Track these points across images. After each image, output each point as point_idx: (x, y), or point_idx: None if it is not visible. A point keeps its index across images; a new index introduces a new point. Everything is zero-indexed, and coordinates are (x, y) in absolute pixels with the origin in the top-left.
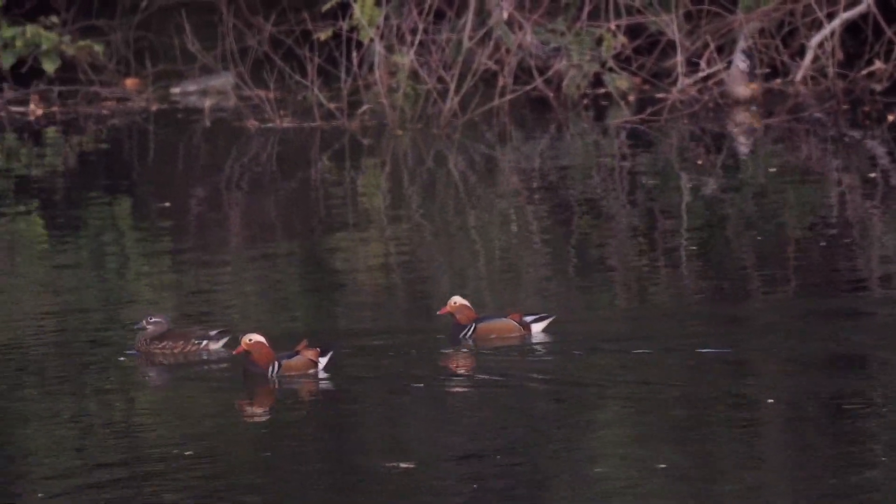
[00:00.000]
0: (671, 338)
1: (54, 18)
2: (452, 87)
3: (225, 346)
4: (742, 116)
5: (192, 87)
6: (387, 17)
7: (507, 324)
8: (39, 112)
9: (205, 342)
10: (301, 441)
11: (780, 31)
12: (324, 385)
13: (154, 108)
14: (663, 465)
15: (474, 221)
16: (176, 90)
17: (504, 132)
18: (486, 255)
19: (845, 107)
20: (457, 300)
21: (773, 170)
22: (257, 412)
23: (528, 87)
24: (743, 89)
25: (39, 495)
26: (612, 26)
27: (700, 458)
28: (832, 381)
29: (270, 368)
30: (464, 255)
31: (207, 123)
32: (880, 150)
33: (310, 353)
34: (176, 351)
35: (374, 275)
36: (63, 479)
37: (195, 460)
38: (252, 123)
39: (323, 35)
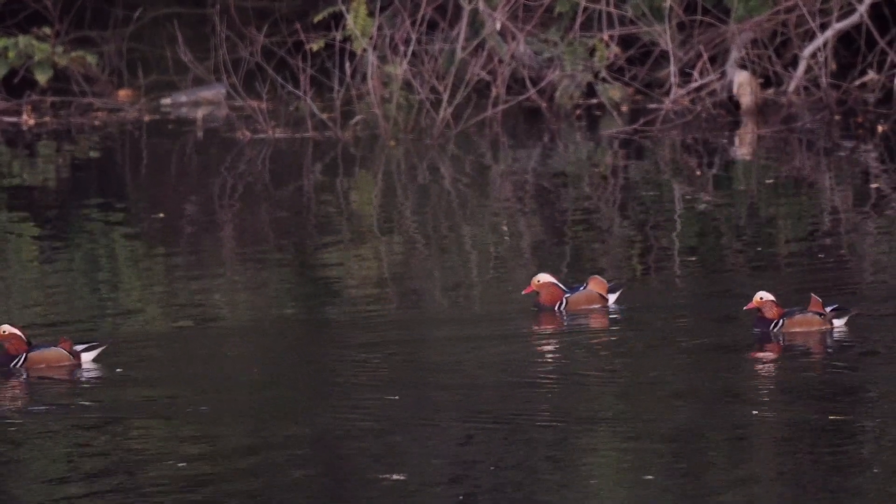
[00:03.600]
0: (670, 340)
1: (47, 29)
2: (445, 97)
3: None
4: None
5: (183, 98)
6: (380, 28)
7: (58, 353)
8: (32, 122)
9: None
10: (292, 450)
11: (773, 41)
12: (313, 393)
13: (146, 118)
14: (650, 477)
15: (466, 232)
16: (167, 101)
17: (497, 142)
18: (478, 265)
19: (838, 117)
20: None
21: (769, 181)
22: (246, 420)
23: (521, 98)
24: (746, 100)
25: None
26: (605, 37)
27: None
28: (820, 394)
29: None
30: (454, 266)
31: (199, 134)
32: (872, 161)
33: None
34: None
35: (365, 285)
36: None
37: (184, 465)
38: (244, 134)
39: (315, 45)
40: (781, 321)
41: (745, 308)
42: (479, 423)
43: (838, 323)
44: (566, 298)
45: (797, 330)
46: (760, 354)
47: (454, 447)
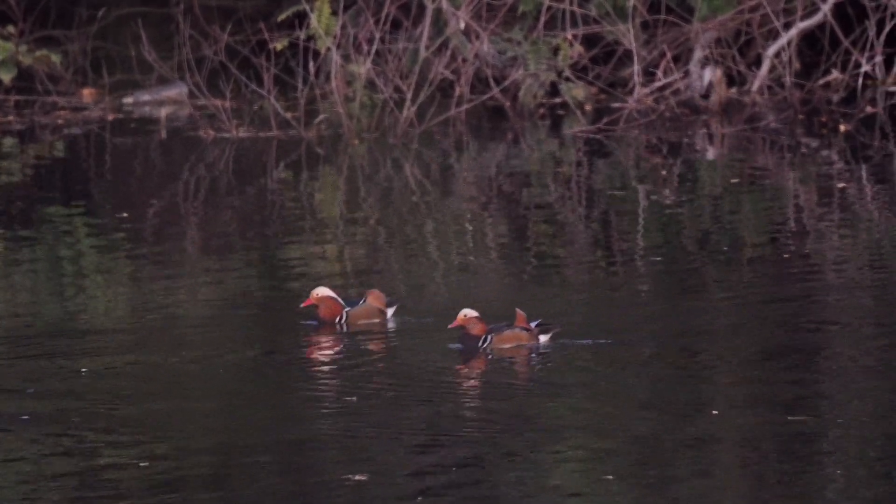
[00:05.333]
0: (634, 342)
1: (11, 28)
2: (409, 96)
3: None
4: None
5: (145, 97)
6: (343, 27)
7: None
8: None
9: None
10: (255, 451)
11: (737, 40)
12: (281, 394)
13: (110, 117)
14: (611, 476)
15: (430, 230)
16: (129, 100)
17: (460, 141)
18: (442, 262)
19: (802, 117)
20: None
21: (734, 180)
22: (212, 420)
23: (484, 97)
24: (710, 100)
25: None
26: (569, 36)
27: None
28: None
29: None
30: (418, 263)
31: (163, 133)
32: (835, 160)
33: None
34: None
35: (327, 282)
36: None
37: (148, 471)
38: (208, 133)
39: (279, 45)
40: (489, 337)
41: (449, 326)
42: (441, 428)
43: (543, 339)
44: (346, 312)
45: (506, 346)
46: (468, 369)
47: (414, 449)
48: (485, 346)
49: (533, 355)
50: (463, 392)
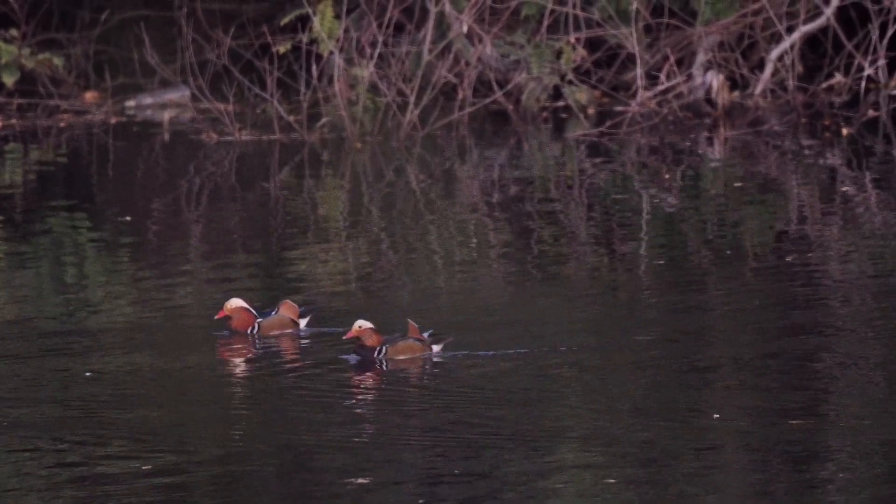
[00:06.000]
0: (628, 349)
1: (14, 31)
2: (412, 99)
3: None
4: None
5: (147, 101)
6: (346, 30)
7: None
8: None
9: None
10: (256, 454)
11: (740, 44)
12: (276, 399)
13: (113, 121)
14: (613, 480)
15: (433, 234)
16: (131, 104)
17: (463, 145)
18: (445, 268)
19: (804, 120)
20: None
21: (737, 184)
22: (214, 424)
23: (487, 100)
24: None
25: None
26: (572, 39)
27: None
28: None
29: None
30: (420, 269)
31: (166, 137)
32: (838, 163)
33: None
34: None
35: (330, 287)
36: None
37: (151, 476)
38: (210, 136)
39: (282, 48)
40: (384, 348)
41: (344, 337)
42: (444, 432)
43: (436, 348)
44: (258, 323)
45: (401, 357)
46: (362, 378)
47: (419, 453)
48: (380, 356)
49: (426, 366)
50: (462, 398)
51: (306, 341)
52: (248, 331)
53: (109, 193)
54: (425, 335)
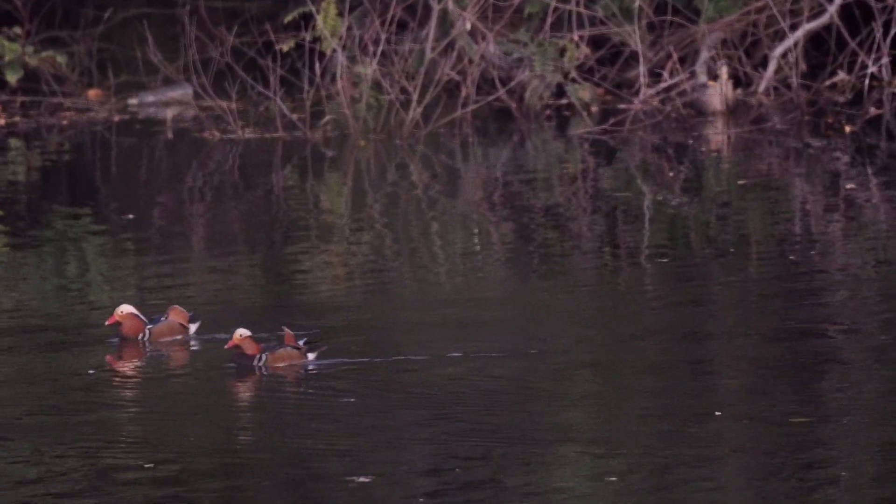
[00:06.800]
0: (631, 348)
1: (17, 29)
2: (415, 97)
3: None
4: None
5: (150, 98)
6: (349, 28)
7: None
8: (2, 122)
9: None
10: (256, 452)
11: (744, 41)
12: (277, 396)
13: (116, 118)
14: (614, 478)
15: (435, 231)
16: (133, 101)
17: (466, 143)
18: (447, 266)
19: (808, 118)
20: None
21: (740, 181)
22: (214, 420)
23: (490, 98)
24: (716, 101)
25: None
26: (575, 37)
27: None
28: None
29: None
30: (423, 268)
31: (169, 134)
32: (841, 161)
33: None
34: None
35: (334, 285)
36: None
37: (154, 470)
38: (213, 134)
39: (285, 46)
40: (263, 356)
41: (226, 346)
42: (444, 429)
43: (312, 356)
44: (149, 329)
45: (280, 364)
46: (243, 385)
47: (419, 451)
48: (260, 364)
49: (303, 372)
50: (466, 400)
51: (195, 346)
52: (139, 337)
53: (112, 191)
54: (301, 343)
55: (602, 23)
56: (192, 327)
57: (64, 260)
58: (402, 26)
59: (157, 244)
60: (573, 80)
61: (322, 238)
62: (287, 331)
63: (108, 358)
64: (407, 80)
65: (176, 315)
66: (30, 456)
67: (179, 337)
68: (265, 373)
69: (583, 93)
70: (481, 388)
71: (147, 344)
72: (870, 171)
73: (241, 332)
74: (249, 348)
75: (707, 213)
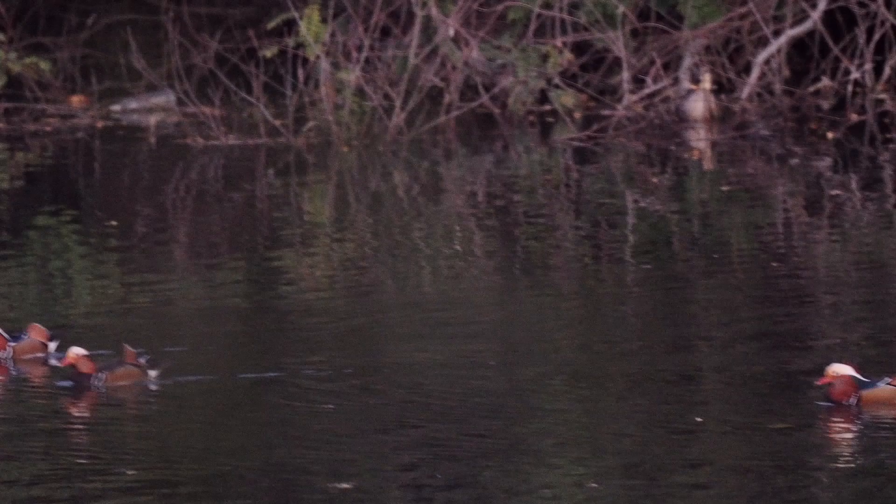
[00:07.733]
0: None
1: (0, 35)
2: (398, 103)
3: None
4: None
5: (133, 105)
6: (332, 34)
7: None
8: None
9: None
10: (238, 459)
11: (727, 48)
12: (257, 403)
13: (99, 125)
14: (595, 485)
15: (418, 237)
16: (116, 108)
17: (450, 149)
18: (430, 271)
19: (791, 124)
20: None
21: (724, 188)
22: (196, 430)
23: (473, 104)
24: (700, 107)
25: None
26: (559, 43)
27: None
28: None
29: None
30: (406, 272)
31: (152, 141)
32: (824, 167)
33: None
34: None
35: (317, 292)
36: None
37: (135, 482)
38: (196, 140)
39: (268, 52)
40: (102, 375)
41: (60, 364)
42: (425, 435)
43: (153, 373)
44: (11, 347)
45: (121, 383)
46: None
47: (399, 458)
48: (98, 384)
49: (146, 388)
50: (447, 406)
51: (55, 362)
52: (2, 356)
53: (95, 197)
54: (142, 360)
55: (585, 29)
56: (52, 345)
57: (46, 266)
58: (385, 32)
59: (140, 250)
60: (556, 87)
61: (304, 243)
62: (127, 348)
63: None
64: (390, 87)
65: (36, 333)
66: None
67: (41, 354)
68: (103, 391)
69: (566, 99)
70: (463, 395)
71: (11, 362)
72: (853, 177)
73: (76, 351)
74: (84, 367)
75: (690, 219)
